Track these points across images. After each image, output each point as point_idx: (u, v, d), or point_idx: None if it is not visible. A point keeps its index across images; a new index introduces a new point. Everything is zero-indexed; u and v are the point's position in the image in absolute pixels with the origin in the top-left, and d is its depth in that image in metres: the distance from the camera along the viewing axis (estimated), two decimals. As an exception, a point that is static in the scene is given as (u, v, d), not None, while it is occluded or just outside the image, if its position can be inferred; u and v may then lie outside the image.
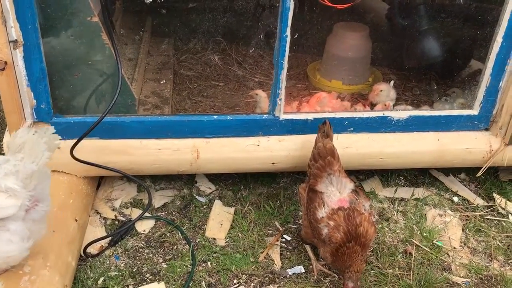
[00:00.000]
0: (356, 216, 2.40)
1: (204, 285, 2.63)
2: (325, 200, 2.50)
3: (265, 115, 2.96)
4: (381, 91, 3.59)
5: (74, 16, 2.65)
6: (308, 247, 2.78)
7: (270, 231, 2.98)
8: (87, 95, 2.87)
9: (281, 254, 2.83)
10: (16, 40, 2.48)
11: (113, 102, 2.58)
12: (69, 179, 2.84)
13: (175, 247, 2.84)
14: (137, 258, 2.77)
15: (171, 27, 4.29)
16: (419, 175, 3.47)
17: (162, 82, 3.64)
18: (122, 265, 2.72)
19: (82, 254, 2.71)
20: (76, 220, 2.65)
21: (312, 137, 2.99)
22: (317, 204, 2.49)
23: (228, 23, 4.28)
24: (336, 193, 2.51)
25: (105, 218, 3.00)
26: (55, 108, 2.77)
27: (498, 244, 2.98)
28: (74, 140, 2.62)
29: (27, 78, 2.59)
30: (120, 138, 2.86)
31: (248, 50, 4.25)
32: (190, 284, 2.61)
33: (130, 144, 2.86)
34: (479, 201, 3.29)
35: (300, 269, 2.74)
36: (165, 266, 2.72)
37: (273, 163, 3.01)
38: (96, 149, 2.80)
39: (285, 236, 2.95)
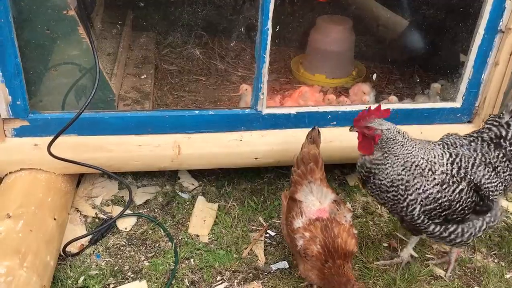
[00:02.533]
0: (334, 227, 2.25)
1: (187, 283, 2.59)
2: (303, 209, 2.34)
3: (247, 110, 2.92)
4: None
5: (50, 10, 2.57)
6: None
7: (254, 227, 2.96)
8: (64, 90, 2.80)
9: (265, 250, 2.81)
10: (-12, 34, 2.40)
11: (91, 97, 2.52)
12: (47, 177, 2.77)
13: (157, 245, 2.80)
14: (119, 256, 2.72)
15: (152, 21, 4.22)
16: (403, 168, 3.46)
17: (142, 76, 3.58)
18: (103, 263, 2.67)
19: (62, 253, 2.65)
20: (54, 219, 2.59)
21: (295, 132, 2.97)
22: (295, 213, 2.34)
23: (209, 16, 4.22)
24: (315, 202, 2.37)
25: (85, 216, 2.94)
26: (31, 104, 2.70)
27: (481, 236, 2.99)
28: (52, 137, 2.56)
29: (1, 74, 2.52)
30: (99, 134, 2.80)
31: (230, 44, 4.20)
32: (172, 282, 2.58)
33: (110, 140, 2.81)
34: (462, 194, 3.30)
35: (284, 264, 2.71)
36: (147, 264, 2.68)
37: (256, 158, 2.98)
38: (75, 146, 2.74)
39: (269, 231, 2.93)
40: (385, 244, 2.89)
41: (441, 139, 2.55)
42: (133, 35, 4.08)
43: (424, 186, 2.33)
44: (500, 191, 2.45)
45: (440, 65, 3.75)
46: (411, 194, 2.35)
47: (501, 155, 2.43)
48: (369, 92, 3.56)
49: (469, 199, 2.37)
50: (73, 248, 2.72)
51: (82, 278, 2.56)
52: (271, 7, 2.58)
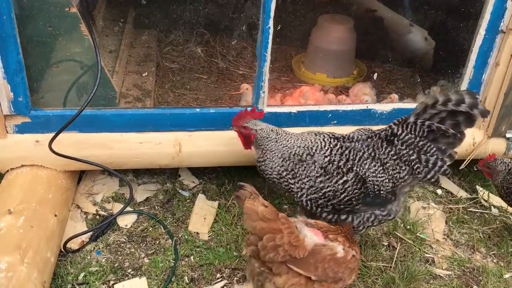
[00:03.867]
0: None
1: (186, 280, 2.60)
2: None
3: (248, 108, 2.92)
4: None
5: (52, 7, 2.58)
6: None
7: (253, 225, 2.96)
8: (66, 87, 2.80)
9: (264, 248, 2.81)
10: (-10, 30, 2.41)
11: (92, 94, 2.53)
12: (49, 174, 2.78)
13: (157, 242, 2.81)
14: (119, 253, 2.73)
15: (154, 19, 4.22)
16: (403, 168, 3.46)
17: (144, 74, 3.58)
18: (104, 260, 2.68)
19: (62, 250, 2.66)
20: (55, 215, 2.60)
21: (296, 130, 2.97)
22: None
23: (211, 14, 4.22)
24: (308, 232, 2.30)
25: (86, 213, 2.95)
26: (33, 101, 2.71)
27: (481, 236, 2.99)
28: (53, 134, 2.57)
29: (3, 70, 2.53)
30: (100, 131, 2.81)
31: (231, 42, 4.20)
32: (172, 279, 2.59)
33: (111, 137, 2.81)
34: (462, 194, 3.31)
35: (283, 262, 2.72)
36: (147, 261, 2.69)
37: (256, 157, 2.98)
38: (76, 143, 2.75)
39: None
40: (385, 243, 2.90)
41: (347, 133, 2.59)
42: (134, 32, 4.09)
43: (308, 175, 2.44)
44: (388, 188, 2.43)
45: (441, 65, 3.76)
46: (297, 183, 2.47)
47: (392, 152, 2.42)
48: (369, 92, 3.57)
49: (356, 191, 2.41)
50: (73, 245, 2.72)
51: (82, 275, 2.57)
52: (273, 6, 2.58)
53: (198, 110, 2.88)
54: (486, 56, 2.94)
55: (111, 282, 2.55)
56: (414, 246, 2.87)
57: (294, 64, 4.11)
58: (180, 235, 2.86)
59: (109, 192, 3.11)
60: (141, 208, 3.02)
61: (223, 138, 2.92)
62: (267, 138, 2.54)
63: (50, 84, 2.77)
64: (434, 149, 2.39)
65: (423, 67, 4.03)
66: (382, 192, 2.44)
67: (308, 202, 2.50)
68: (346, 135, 2.55)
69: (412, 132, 2.38)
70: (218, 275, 2.64)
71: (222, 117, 2.89)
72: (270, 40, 2.67)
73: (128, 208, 2.93)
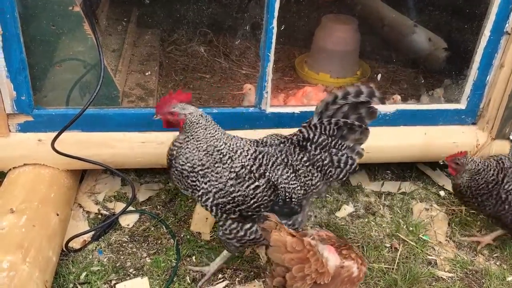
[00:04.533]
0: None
1: (188, 280, 2.59)
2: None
3: (251, 108, 2.92)
4: None
5: (56, 6, 2.57)
6: None
7: (256, 225, 2.96)
8: (69, 86, 2.80)
9: (266, 249, 2.80)
10: (-6, 29, 2.41)
11: (95, 93, 2.53)
12: (51, 172, 2.78)
13: (159, 242, 2.80)
14: (121, 252, 2.73)
15: (157, 18, 4.22)
16: (406, 169, 3.46)
17: (147, 73, 3.58)
18: (105, 259, 2.68)
19: (64, 249, 2.66)
20: (57, 214, 2.59)
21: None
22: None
23: (214, 14, 4.21)
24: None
25: (88, 212, 2.95)
26: (36, 100, 2.70)
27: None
28: (56, 133, 2.56)
29: (6, 69, 2.52)
30: (103, 130, 2.80)
31: (234, 42, 4.19)
32: (174, 279, 2.58)
33: (113, 136, 2.81)
34: (465, 195, 3.29)
35: (285, 263, 2.71)
36: (149, 260, 2.69)
37: (259, 157, 2.97)
38: (78, 142, 2.75)
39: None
40: (387, 245, 2.89)
41: (260, 138, 2.49)
42: (138, 31, 4.08)
43: (220, 177, 2.28)
44: (300, 196, 2.38)
45: (446, 66, 3.74)
46: (206, 183, 2.29)
47: (304, 158, 2.37)
48: None
49: (265, 197, 2.32)
50: (75, 244, 2.72)
51: (84, 274, 2.57)
52: (277, 6, 2.57)
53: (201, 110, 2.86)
54: (491, 57, 2.93)
55: (113, 282, 2.55)
56: (417, 248, 2.86)
57: (297, 64, 4.10)
58: (182, 235, 2.85)
59: (111, 191, 3.11)
60: (143, 208, 3.02)
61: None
62: (197, 123, 2.28)
63: (53, 83, 2.76)
64: (345, 146, 2.37)
65: (427, 68, 4.01)
66: (293, 199, 2.37)
67: (214, 208, 2.34)
68: (259, 140, 2.45)
69: (324, 133, 2.34)
70: (220, 276, 2.64)
71: (225, 117, 2.87)
72: (273, 40, 2.66)
73: (130, 208, 2.93)
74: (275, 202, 2.36)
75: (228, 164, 2.30)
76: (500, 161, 2.70)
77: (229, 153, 2.31)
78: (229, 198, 2.31)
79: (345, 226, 2.98)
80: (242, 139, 2.41)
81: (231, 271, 2.66)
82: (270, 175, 2.33)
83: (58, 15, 2.60)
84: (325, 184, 2.44)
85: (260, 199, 2.33)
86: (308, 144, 2.37)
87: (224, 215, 2.37)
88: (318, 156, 2.37)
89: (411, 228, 2.99)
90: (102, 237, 2.80)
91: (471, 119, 3.17)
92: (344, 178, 2.43)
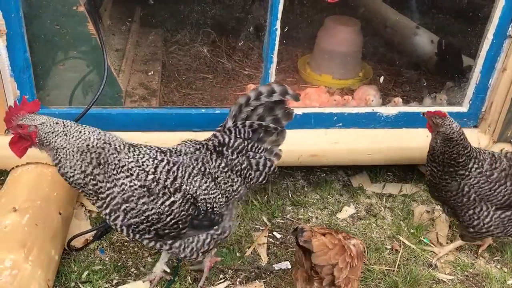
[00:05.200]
0: None
1: (189, 280, 2.60)
2: None
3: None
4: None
5: (60, 5, 2.59)
6: None
7: (257, 226, 2.96)
8: (72, 86, 2.81)
9: (268, 249, 2.82)
10: (-2, 28, 2.42)
11: (99, 93, 2.54)
12: (54, 172, 2.77)
13: (161, 241, 2.81)
14: (123, 252, 2.74)
15: (160, 18, 4.23)
16: (407, 171, 3.46)
17: (150, 73, 3.59)
18: (107, 259, 2.69)
19: (66, 248, 2.67)
20: (60, 213, 2.60)
21: (300, 132, 2.97)
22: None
23: (218, 15, 4.22)
24: None
25: (90, 211, 2.96)
26: (39, 99, 2.70)
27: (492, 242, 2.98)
28: (59, 132, 2.56)
29: (10, 68, 2.54)
30: (106, 130, 2.77)
31: (238, 42, 4.20)
32: (175, 279, 2.59)
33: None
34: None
35: (286, 264, 2.72)
36: (150, 260, 2.70)
37: (261, 158, 2.98)
38: (81, 141, 2.75)
39: (274, 232, 2.93)
40: (388, 247, 2.89)
41: (173, 146, 2.35)
42: (141, 31, 4.09)
43: (126, 193, 2.06)
44: (222, 204, 2.29)
45: (448, 69, 3.74)
46: (106, 191, 2.05)
47: (222, 164, 2.27)
48: (375, 95, 3.56)
49: (183, 213, 2.17)
50: (77, 243, 2.73)
51: (86, 273, 2.58)
52: (280, 8, 2.58)
53: (203, 110, 2.88)
54: (493, 61, 2.93)
55: (114, 281, 2.56)
56: (418, 250, 2.87)
57: (299, 65, 4.10)
58: (183, 235, 2.86)
59: (114, 190, 3.11)
60: (145, 207, 3.02)
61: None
62: (53, 133, 2.01)
63: (56, 82, 2.78)
64: (262, 149, 2.32)
65: (429, 70, 4.01)
66: (215, 209, 2.27)
67: (124, 228, 2.14)
68: (172, 148, 2.28)
69: (239, 136, 2.28)
70: (221, 276, 2.65)
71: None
72: (277, 42, 2.67)
73: (132, 207, 2.93)
74: (194, 216, 2.21)
75: (133, 176, 2.08)
76: (484, 152, 2.62)
77: (113, 145, 2.08)
78: (143, 218, 2.11)
79: (346, 228, 2.99)
80: (151, 148, 2.23)
81: (232, 271, 2.67)
82: (188, 188, 2.18)
83: (62, 15, 2.61)
84: (245, 188, 2.38)
85: (177, 215, 2.16)
86: (225, 149, 2.27)
87: (138, 235, 2.19)
88: (236, 161, 2.28)
89: (412, 230, 3.00)
90: (104, 236, 2.80)
91: (473, 122, 3.18)
92: (264, 181, 2.37)
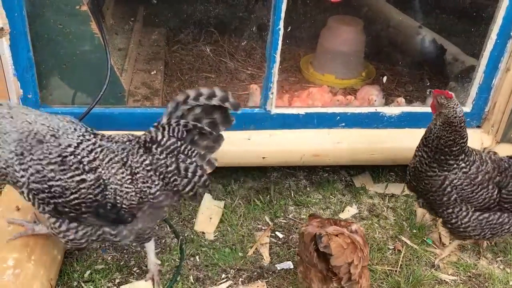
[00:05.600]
0: None
1: (192, 280, 2.60)
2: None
3: (256, 109, 2.93)
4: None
5: (63, 5, 2.59)
6: None
7: (259, 226, 2.96)
8: (75, 85, 2.81)
9: (270, 249, 2.82)
10: (2, 28, 2.41)
11: (102, 93, 2.54)
12: (56, 171, 2.79)
13: (163, 241, 2.81)
14: (125, 251, 2.74)
15: (163, 17, 4.23)
16: (410, 171, 3.45)
17: (152, 73, 3.59)
18: (109, 258, 2.69)
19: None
20: (62, 213, 2.60)
21: (303, 132, 2.98)
22: None
23: (220, 14, 4.22)
24: None
25: (92, 210, 2.96)
26: (42, 98, 2.72)
27: (487, 242, 2.97)
28: (62, 131, 2.57)
29: (13, 67, 2.54)
30: (109, 129, 2.77)
31: (240, 42, 4.20)
32: (178, 279, 2.59)
33: (119, 136, 2.81)
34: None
35: (289, 264, 2.72)
36: (153, 259, 2.70)
37: (263, 158, 2.98)
38: (84, 141, 2.75)
39: (277, 232, 2.93)
40: (390, 247, 2.89)
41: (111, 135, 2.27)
42: (144, 31, 4.09)
43: (39, 159, 1.98)
44: (133, 203, 2.13)
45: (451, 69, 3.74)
46: (24, 170, 1.98)
47: (147, 161, 2.14)
48: (377, 95, 3.56)
49: (90, 196, 2.05)
50: (80, 242, 2.74)
51: (88, 272, 2.58)
52: (284, 7, 2.58)
53: (206, 110, 2.87)
54: (497, 61, 2.93)
55: (117, 281, 2.56)
56: (420, 250, 2.86)
57: (302, 65, 4.10)
58: (185, 235, 2.86)
59: (116, 190, 3.11)
60: (147, 207, 3.03)
61: (231, 138, 2.90)
62: None
63: (59, 81, 2.78)
64: (195, 153, 2.18)
65: (432, 70, 4.01)
66: (124, 205, 2.12)
67: (29, 194, 2.03)
68: (107, 135, 2.22)
69: (172, 135, 2.14)
70: (223, 276, 2.65)
71: (230, 117, 2.89)
72: (280, 42, 2.67)
73: (135, 207, 2.93)
74: (101, 204, 2.08)
75: (53, 143, 1.99)
76: (476, 154, 2.54)
77: (51, 132, 2.01)
78: (45, 186, 2.00)
79: (348, 228, 2.99)
80: (86, 128, 2.16)
81: (234, 271, 2.67)
82: (103, 172, 2.07)
83: (66, 14, 2.61)
84: (168, 196, 2.21)
85: (82, 196, 2.04)
86: (154, 146, 2.15)
87: (37, 204, 2.07)
88: (163, 161, 2.14)
89: (414, 231, 2.99)
90: (107, 236, 2.81)
91: (476, 122, 3.17)
92: (192, 192, 2.20)
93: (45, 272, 2.26)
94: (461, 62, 3.80)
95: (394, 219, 3.09)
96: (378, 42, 4.19)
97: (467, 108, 3.11)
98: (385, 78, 3.79)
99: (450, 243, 2.92)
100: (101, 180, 2.06)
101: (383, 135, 3.07)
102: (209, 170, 2.23)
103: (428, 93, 2.56)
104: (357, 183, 3.35)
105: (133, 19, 3.96)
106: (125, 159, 2.13)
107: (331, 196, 3.23)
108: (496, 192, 2.53)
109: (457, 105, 2.43)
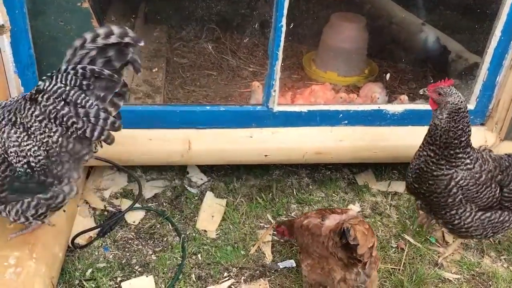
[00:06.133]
0: None
1: (194, 278, 2.59)
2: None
3: (258, 107, 2.91)
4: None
5: (64, 2, 2.57)
6: None
7: (261, 224, 2.95)
8: (76, 82, 2.79)
9: (272, 247, 2.80)
10: (2, 25, 2.40)
11: (103, 90, 2.52)
12: (58, 169, 2.78)
13: (165, 239, 2.80)
14: (126, 249, 2.73)
15: (165, 14, 4.21)
16: (413, 169, 3.43)
17: (154, 70, 3.58)
18: (111, 256, 2.68)
19: (70, 245, 2.66)
20: (64, 211, 2.59)
21: (306, 130, 2.96)
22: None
23: (223, 11, 4.20)
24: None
25: (94, 209, 2.95)
26: (43, 95, 2.70)
27: (491, 240, 2.96)
28: (63, 129, 2.56)
29: (14, 64, 2.53)
30: (110, 127, 2.79)
31: (242, 39, 4.18)
32: (179, 277, 2.58)
33: (120, 133, 2.78)
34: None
35: (291, 263, 2.71)
36: (154, 258, 2.69)
37: (266, 155, 2.97)
38: (85, 138, 2.74)
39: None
40: (393, 245, 2.87)
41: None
42: (145, 28, 4.08)
43: None
44: (41, 159, 2.04)
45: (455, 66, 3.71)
46: None
47: (36, 112, 2.02)
48: (380, 92, 3.54)
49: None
50: (81, 240, 2.73)
51: (90, 270, 2.57)
52: (286, 4, 2.56)
53: (208, 108, 2.86)
54: (501, 58, 2.90)
55: (118, 279, 2.55)
56: (423, 248, 2.85)
57: (305, 62, 4.08)
58: (187, 233, 2.85)
59: (117, 187, 3.11)
60: (149, 205, 3.02)
61: (233, 136, 2.90)
62: None
63: (60, 79, 2.76)
64: (93, 98, 2.03)
65: (435, 67, 3.98)
66: (34, 164, 2.03)
67: None
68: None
69: (61, 83, 2.01)
70: (226, 274, 2.64)
71: (232, 115, 2.88)
72: (282, 39, 2.65)
73: (136, 205, 2.93)
74: (14, 176, 2.01)
75: None
76: (476, 152, 2.50)
77: None
78: None
79: (351, 226, 2.97)
80: None
81: (236, 269, 2.66)
82: None
83: (67, 11, 2.59)
84: (77, 141, 2.08)
85: None
86: (40, 95, 2.02)
87: None
88: (51, 107, 2.01)
89: (417, 229, 2.98)
90: (108, 234, 2.80)
91: (479, 119, 3.15)
92: (104, 136, 2.08)
93: (46, 270, 2.25)
94: (465, 59, 3.77)
95: (397, 217, 3.07)
96: (381, 39, 4.17)
97: (470, 106, 3.09)
98: (388, 76, 3.76)
99: (453, 241, 2.90)
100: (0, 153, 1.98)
101: (386, 133, 3.05)
102: (114, 112, 2.10)
103: (421, 93, 2.49)
104: (359, 181, 3.34)
105: (135, 16, 3.94)
106: (13, 119, 2.04)
107: (333, 194, 3.21)
108: (498, 191, 2.51)
109: (457, 90, 2.39)
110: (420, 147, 2.58)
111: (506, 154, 2.61)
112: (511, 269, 2.80)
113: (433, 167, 2.48)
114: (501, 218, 2.57)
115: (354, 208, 3.11)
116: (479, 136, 3.10)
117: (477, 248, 2.92)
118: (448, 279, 2.71)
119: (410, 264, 2.75)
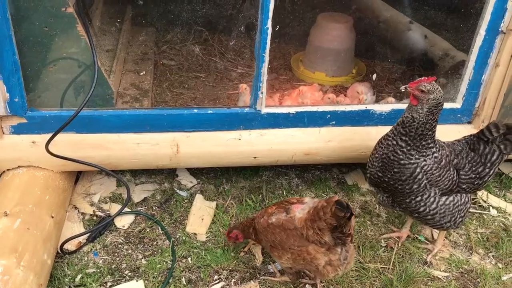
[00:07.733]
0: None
1: (184, 282, 2.59)
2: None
3: (246, 109, 2.91)
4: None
5: (48, 7, 2.55)
6: None
7: (251, 226, 2.95)
8: (62, 88, 2.78)
9: (262, 249, 2.80)
10: (-14, 31, 2.38)
11: (89, 95, 2.51)
12: (45, 175, 2.76)
13: (155, 243, 2.80)
14: (116, 254, 2.72)
15: (151, 17, 4.20)
16: (401, 168, 3.45)
17: (141, 73, 3.56)
18: (101, 261, 2.67)
19: (59, 251, 2.65)
20: (52, 217, 2.58)
21: (294, 131, 2.97)
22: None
23: (209, 14, 4.19)
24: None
25: (83, 214, 2.94)
26: (29, 101, 2.68)
27: (479, 238, 2.98)
28: (50, 135, 2.55)
29: (-1, 71, 2.51)
30: (98, 132, 2.79)
31: (229, 41, 4.17)
32: (170, 281, 2.58)
33: (108, 138, 2.79)
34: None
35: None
36: (144, 262, 2.68)
37: (254, 157, 2.97)
38: (73, 144, 2.73)
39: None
40: (383, 245, 2.89)
41: None
42: (132, 31, 4.06)
43: None
44: None
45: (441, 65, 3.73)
46: None
47: None
48: (366, 92, 3.55)
49: None
50: (70, 246, 2.71)
51: (79, 276, 2.56)
52: (271, 7, 2.56)
53: (196, 111, 2.86)
54: (486, 56, 2.92)
55: (108, 284, 2.54)
56: (412, 247, 2.86)
57: (293, 63, 4.08)
58: (177, 236, 2.85)
59: (107, 192, 3.09)
60: (138, 209, 3.01)
61: (221, 139, 2.90)
62: None
63: (46, 84, 2.74)
64: None
65: (423, 66, 4.01)
66: None
67: None
68: None
69: None
70: (216, 277, 2.64)
71: (220, 118, 2.87)
72: (268, 41, 2.65)
73: (126, 209, 2.91)
74: None
75: None
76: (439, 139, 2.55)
77: None
78: None
79: (341, 226, 2.98)
80: None
81: (226, 272, 2.66)
82: None
83: (51, 16, 2.57)
84: None
85: None
86: None
87: None
88: None
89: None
90: (98, 239, 2.79)
91: (466, 118, 3.17)
92: None
93: (34, 278, 2.24)
94: (452, 57, 3.79)
95: (386, 217, 3.08)
96: (368, 39, 4.18)
97: (457, 104, 3.11)
98: (374, 76, 3.78)
99: (438, 234, 2.91)
100: None
101: (373, 133, 3.05)
102: None
103: (403, 90, 2.48)
104: (349, 180, 3.35)
105: (121, 20, 3.92)
106: None
107: (323, 194, 3.22)
108: (456, 174, 2.57)
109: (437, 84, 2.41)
110: (387, 136, 2.55)
111: (456, 140, 2.68)
112: (499, 266, 2.83)
113: (401, 156, 2.49)
114: (463, 200, 2.64)
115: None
116: (466, 135, 3.11)
117: (466, 246, 2.94)
118: (437, 277, 2.72)
119: (400, 263, 2.76)
